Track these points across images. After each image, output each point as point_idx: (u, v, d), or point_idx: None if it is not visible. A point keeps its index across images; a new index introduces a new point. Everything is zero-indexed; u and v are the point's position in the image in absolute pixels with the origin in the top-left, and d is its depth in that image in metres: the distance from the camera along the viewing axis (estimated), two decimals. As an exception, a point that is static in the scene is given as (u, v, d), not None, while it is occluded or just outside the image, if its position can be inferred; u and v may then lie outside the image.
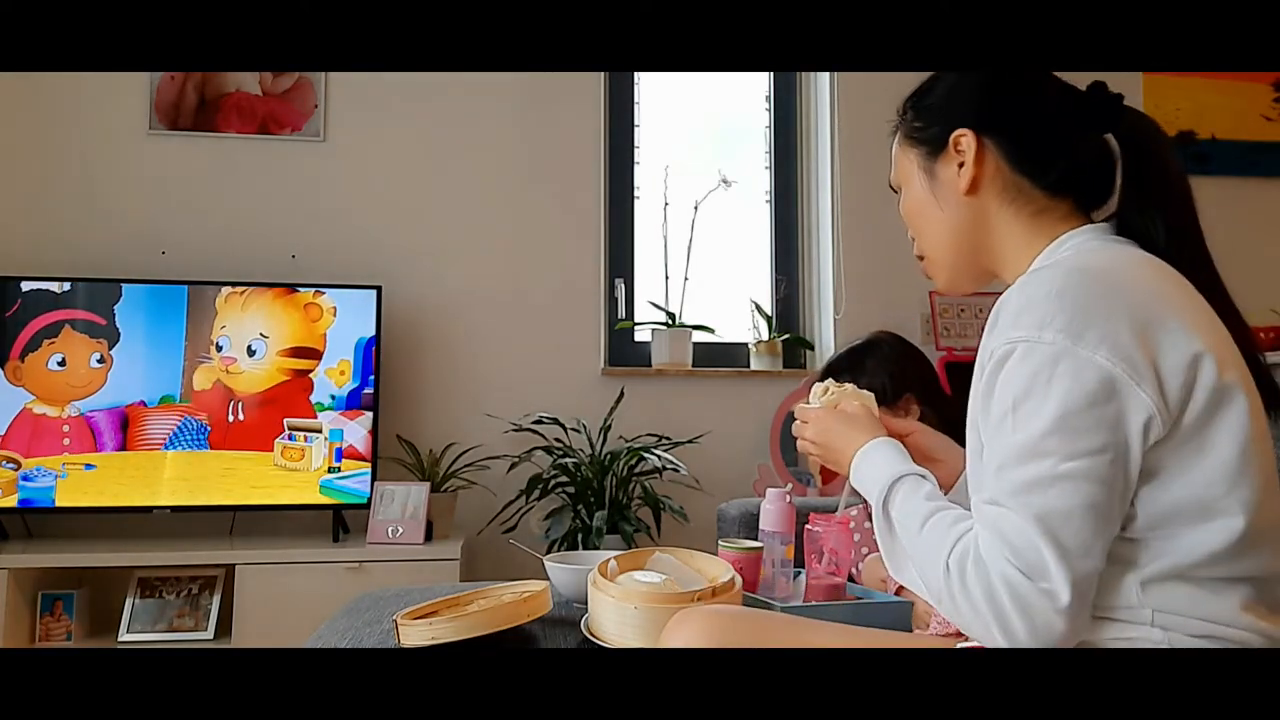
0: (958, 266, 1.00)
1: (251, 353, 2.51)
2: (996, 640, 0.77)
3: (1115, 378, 0.76)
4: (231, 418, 2.48)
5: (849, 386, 1.14)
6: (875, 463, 0.98)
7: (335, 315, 2.56)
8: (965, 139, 0.94)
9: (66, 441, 2.42)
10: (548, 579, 1.43)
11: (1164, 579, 0.78)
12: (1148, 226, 0.90)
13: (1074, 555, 0.75)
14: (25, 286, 2.44)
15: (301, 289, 2.56)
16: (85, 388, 2.44)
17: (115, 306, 2.47)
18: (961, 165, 0.95)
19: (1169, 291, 0.83)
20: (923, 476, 0.93)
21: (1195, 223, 0.91)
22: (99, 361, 2.45)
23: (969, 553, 0.79)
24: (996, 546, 0.77)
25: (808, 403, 1.16)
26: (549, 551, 2.34)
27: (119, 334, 2.47)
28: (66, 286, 2.46)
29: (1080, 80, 0.96)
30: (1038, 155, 0.93)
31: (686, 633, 0.96)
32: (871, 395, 1.14)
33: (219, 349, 2.50)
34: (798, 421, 1.14)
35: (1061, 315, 0.77)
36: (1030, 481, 0.77)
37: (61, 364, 2.43)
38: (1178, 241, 0.89)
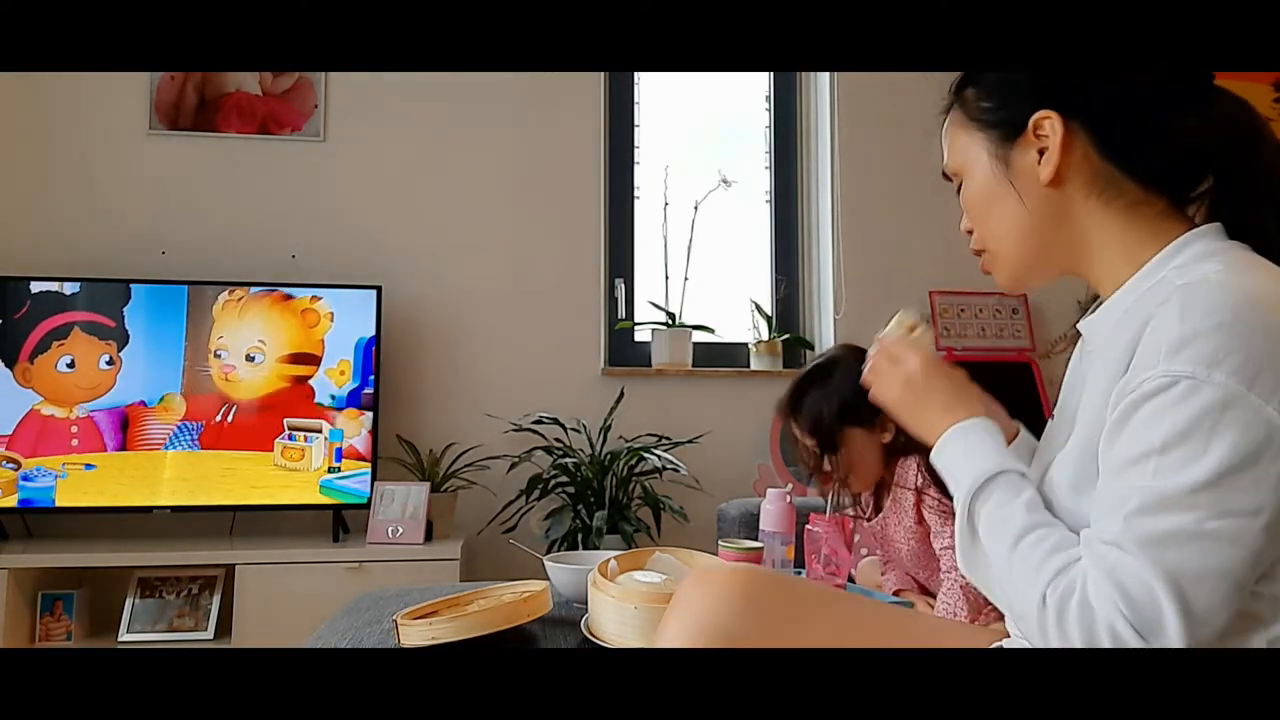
0: (1027, 264, 0.90)
1: (250, 359, 2.50)
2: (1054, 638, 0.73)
3: None
4: (227, 421, 2.48)
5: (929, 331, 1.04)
6: (971, 448, 0.87)
7: (333, 320, 2.56)
8: (1050, 122, 0.84)
9: (75, 443, 2.42)
10: (548, 579, 1.43)
11: None
12: (1260, 226, 0.81)
13: (1200, 620, 0.68)
14: (34, 288, 2.44)
15: (298, 294, 2.55)
16: (94, 390, 2.44)
17: (124, 309, 2.47)
18: (1043, 152, 0.84)
19: None
20: (1021, 476, 0.84)
21: None
22: (108, 363, 2.45)
23: (1074, 591, 0.72)
24: (1109, 594, 0.70)
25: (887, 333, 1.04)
26: (549, 551, 2.34)
27: (128, 336, 2.47)
28: (75, 288, 2.46)
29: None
30: (1132, 142, 0.83)
31: (712, 599, 0.87)
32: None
33: (218, 357, 2.50)
34: (879, 350, 1.00)
35: (1236, 355, 0.68)
36: (1168, 534, 0.69)
37: (70, 365, 2.44)
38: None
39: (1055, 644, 0.73)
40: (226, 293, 2.52)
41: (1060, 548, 0.76)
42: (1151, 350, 0.72)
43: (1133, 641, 0.68)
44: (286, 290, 2.55)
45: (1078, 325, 0.90)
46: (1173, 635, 0.68)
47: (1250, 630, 0.72)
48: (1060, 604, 0.72)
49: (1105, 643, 0.69)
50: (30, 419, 2.41)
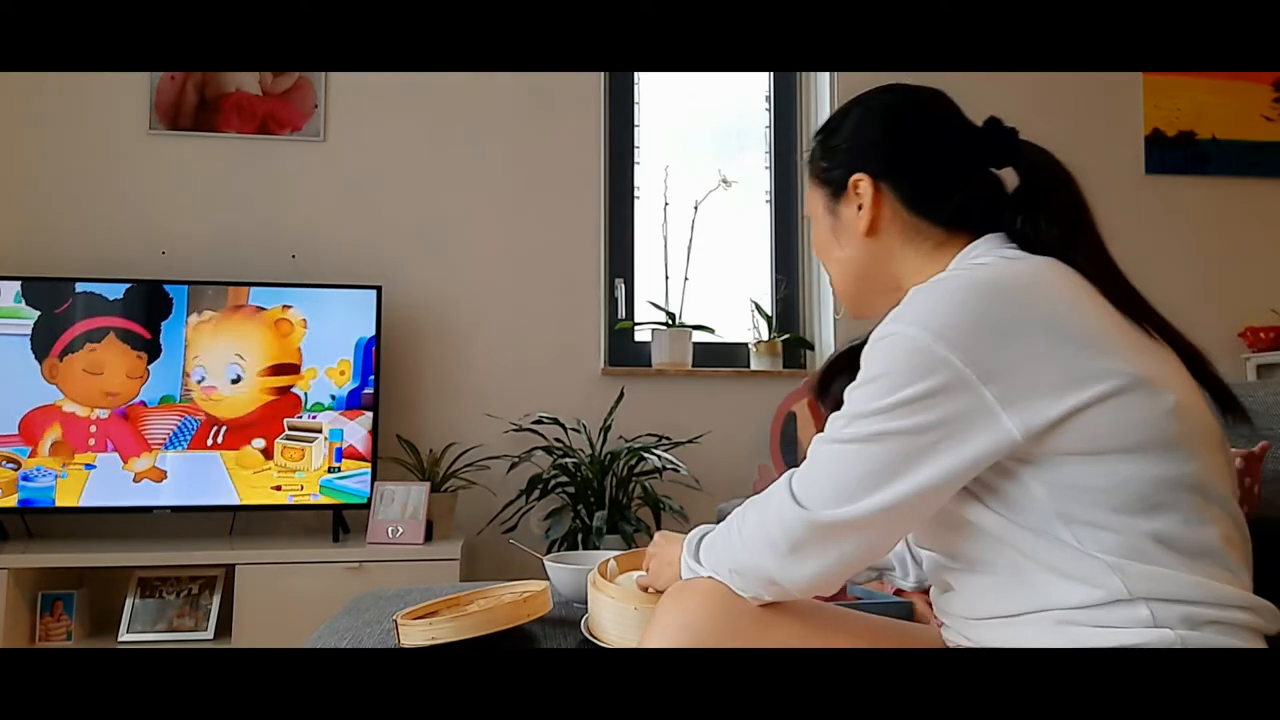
0: (862, 299, 1.05)
1: (235, 380, 2.50)
2: (760, 551, 0.87)
3: (965, 378, 0.79)
4: (212, 442, 2.48)
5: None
6: (676, 541, 1.04)
7: (306, 326, 2.54)
8: (863, 184, 0.98)
9: (92, 442, 2.43)
10: (548, 579, 1.43)
11: (1129, 555, 0.78)
12: (1037, 230, 0.92)
13: (827, 503, 0.83)
14: (79, 288, 2.46)
15: (269, 305, 2.53)
16: (117, 397, 2.44)
17: (163, 323, 2.48)
18: (860, 207, 0.99)
19: (1067, 302, 0.83)
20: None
21: (1093, 231, 0.92)
22: (135, 375, 2.45)
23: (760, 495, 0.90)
24: (788, 479, 0.87)
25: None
26: (549, 551, 2.34)
27: (160, 350, 2.47)
28: (119, 293, 2.47)
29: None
30: (932, 196, 0.97)
31: (686, 606, 0.93)
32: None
33: (198, 381, 2.49)
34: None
35: (935, 314, 0.81)
36: (840, 438, 0.85)
37: (98, 371, 2.44)
38: (1070, 244, 0.90)
39: (741, 531, 0.89)
40: (196, 314, 2.50)
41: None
42: (891, 312, 0.86)
43: (789, 506, 0.85)
44: (258, 303, 2.53)
45: None
46: (808, 504, 0.84)
47: (1097, 564, 0.79)
48: (745, 506, 0.91)
49: (775, 505, 0.86)
50: (54, 414, 2.42)
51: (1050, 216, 0.92)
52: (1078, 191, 0.95)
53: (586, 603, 1.23)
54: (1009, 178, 0.99)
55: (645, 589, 1.13)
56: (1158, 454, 0.79)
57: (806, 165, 1.08)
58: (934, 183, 0.97)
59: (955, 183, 0.97)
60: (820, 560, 0.84)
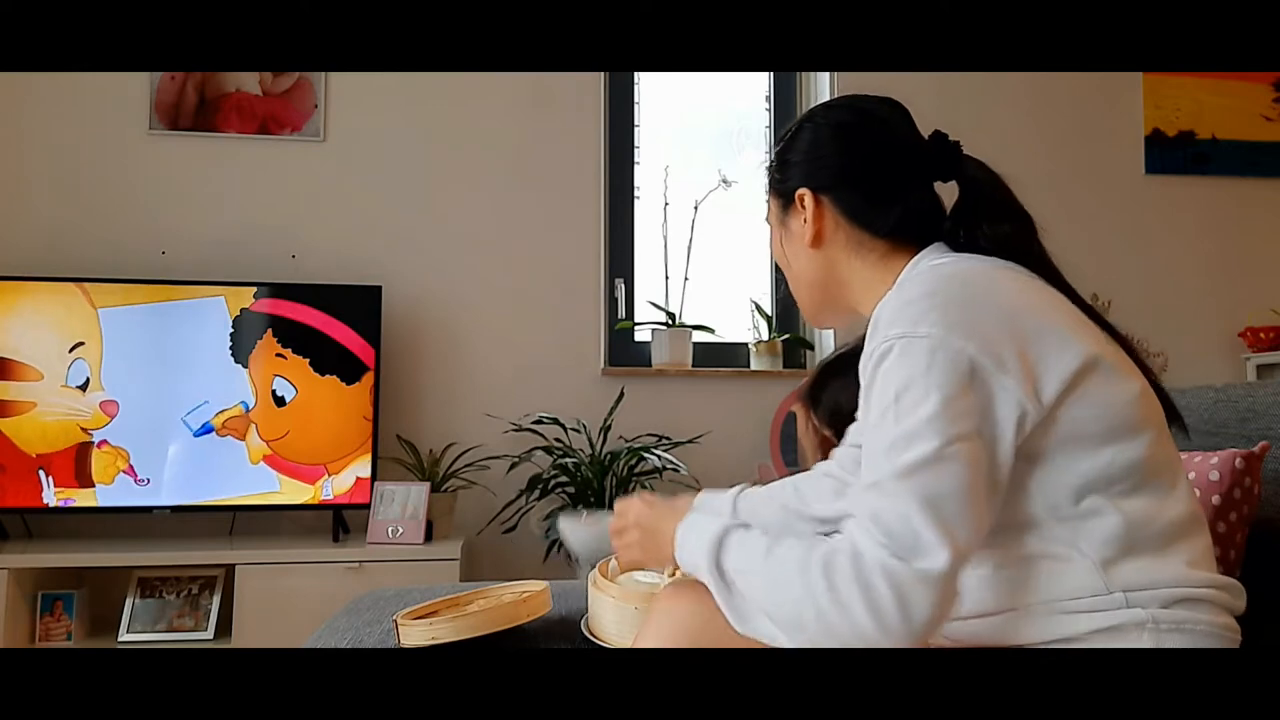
0: (817, 308, 1.08)
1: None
2: (862, 631, 0.74)
3: (984, 366, 0.79)
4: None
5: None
6: (697, 528, 0.92)
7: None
8: (805, 198, 1.01)
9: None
10: (547, 581, 1.43)
11: (1115, 557, 0.80)
12: (978, 241, 0.95)
13: (955, 531, 0.75)
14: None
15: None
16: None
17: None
18: (805, 220, 1.01)
19: (1030, 293, 0.88)
20: (748, 526, 0.89)
21: (1036, 241, 0.95)
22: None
23: (838, 550, 0.76)
24: (874, 533, 0.75)
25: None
26: (548, 552, 2.34)
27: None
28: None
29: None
30: (872, 210, 0.99)
31: (681, 605, 0.93)
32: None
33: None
34: (615, 523, 1.11)
35: (936, 310, 0.82)
36: (915, 462, 0.76)
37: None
38: (1013, 252, 0.93)
39: (835, 616, 0.74)
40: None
41: (809, 539, 0.81)
42: (879, 327, 0.86)
43: (901, 571, 0.73)
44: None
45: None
46: (934, 551, 0.73)
47: (1079, 563, 0.81)
48: (827, 567, 0.76)
49: (879, 582, 0.73)
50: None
51: (992, 227, 0.95)
52: (1017, 205, 0.97)
53: (599, 575, 1.23)
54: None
55: (628, 567, 1.09)
56: (1130, 437, 0.82)
57: (766, 175, 1.11)
58: (873, 197, 0.99)
59: (895, 197, 0.98)
60: (937, 606, 0.74)
